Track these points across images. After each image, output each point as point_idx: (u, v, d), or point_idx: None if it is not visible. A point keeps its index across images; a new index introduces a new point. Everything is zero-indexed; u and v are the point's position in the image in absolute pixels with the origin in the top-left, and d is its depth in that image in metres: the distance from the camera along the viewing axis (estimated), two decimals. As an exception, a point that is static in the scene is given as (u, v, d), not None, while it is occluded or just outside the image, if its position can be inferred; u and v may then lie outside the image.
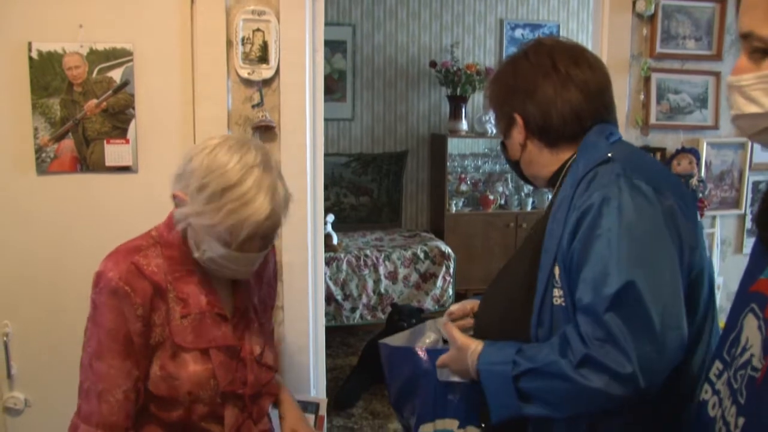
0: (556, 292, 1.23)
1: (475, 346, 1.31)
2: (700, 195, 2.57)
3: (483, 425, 1.44)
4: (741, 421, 0.91)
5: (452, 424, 1.47)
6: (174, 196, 1.34)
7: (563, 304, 1.21)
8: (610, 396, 1.11)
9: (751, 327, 0.94)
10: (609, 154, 1.24)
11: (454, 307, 1.61)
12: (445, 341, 1.62)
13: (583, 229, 1.18)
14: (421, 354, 1.54)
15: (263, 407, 1.51)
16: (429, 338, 1.64)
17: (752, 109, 0.89)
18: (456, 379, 1.45)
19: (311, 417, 1.89)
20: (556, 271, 1.22)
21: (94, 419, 1.32)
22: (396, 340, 1.68)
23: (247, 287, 1.50)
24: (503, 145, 1.47)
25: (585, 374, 1.12)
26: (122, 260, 1.33)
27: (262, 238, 1.34)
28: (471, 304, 1.61)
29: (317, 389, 2.31)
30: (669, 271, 1.15)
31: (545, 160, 1.38)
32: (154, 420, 1.39)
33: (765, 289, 0.94)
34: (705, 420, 1.02)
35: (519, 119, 1.37)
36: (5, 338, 2.02)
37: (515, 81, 1.37)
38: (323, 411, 1.91)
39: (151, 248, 1.38)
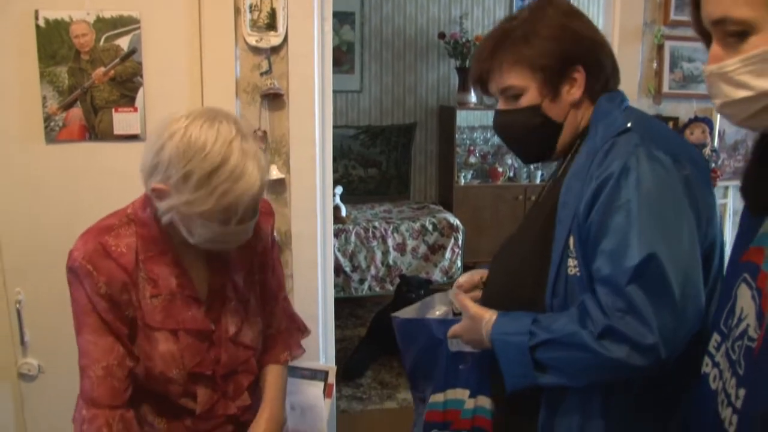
0: (571, 262, 1.22)
1: (489, 316, 1.30)
2: (713, 165, 2.54)
3: (494, 395, 1.44)
4: (742, 392, 0.90)
5: (463, 393, 1.46)
6: (154, 190, 1.27)
7: (578, 274, 1.21)
8: (631, 366, 1.12)
9: (744, 297, 0.94)
10: (629, 124, 1.22)
11: (463, 279, 1.60)
12: (455, 313, 1.61)
13: (602, 200, 1.17)
14: (432, 325, 1.53)
15: (240, 385, 1.49)
16: (439, 310, 1.63)
17: (742, 93, 0.87)
18: (468, 349, 1.44)
19: (320, 384, 1.91)
20: (571, 241, 1.22)
21: (83, 394, 1.34)
22: (406, 313, 1.67)
23: (225, 265, 1.46)
24: (535, 109, 1.33)
25: (606, 345, 1.13)
26: (91, 240, 1.32)
27: (254, 204, 1.31)
28: (479, 274, 1.60)
29: (326, 358, 2.32)
30: (688, 240, 1.15)
31: (578, 120, 1.34)
32: (138, 391, 1.39)
33: (755, 258, 0.93)
34: (707, 393, 1.02)
35: (582, 72, 1.30)
36: (18, 305, 2.04)
37: (583, 31, 1.32)
38: (332, 379, 1.92)
39: (124, 227, 1.35)
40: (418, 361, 1.58)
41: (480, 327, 1.31)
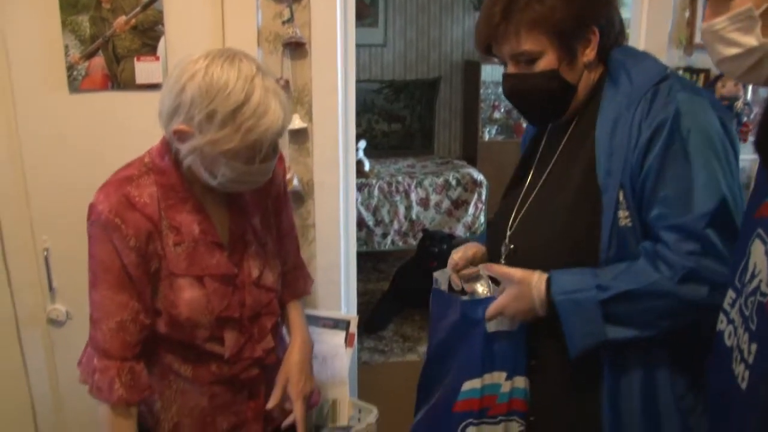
0: (622, 214, 1.22)
1: (538, 277, 1.27)
2: (745, 119, 2.47)
3: (530, 372, 1.40)
4: (754, 347, 0.91)
5: (500, 377, 1.39)
6: (176, 132, 1.27)
7: (630, 224, 1.22)
8: (714, 306, 1.11)
9: (758, 253, 0.94)
10: (668, 71, 1.24)
11: (457, 256, 1.55)
12: (452, 290, 1.56)
13: (659, 148, 1.18)
14: (466, 305, 1.44)
15: (264, 327, 1.51)
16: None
17: (733, 50, 0.90)
18: (506, 328, 1.38)
19: (342, 334, 1.93)
20: (621, 192, 1.22)
21: (93, 343, 1.38)
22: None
23: (244, 209, 1.47)
24: (553, 73, 1.30)
25: (688, 288, 1.15)
26: (113, 192, 1.32)
27: (276, 141, 1.33)
28: (472, 250, 1.56)
29: (348, 310, 2.34)
30: (737, 177, 1.19)
31: (591, 80, 1.34)
32: (162, 342, 1.43)
33: None
34: (722, 349, 1.02)
35: (597, 33, 1.30)
36: (45, 252, 2.08)
37: None
38: (353, 328, 1.94)
39: (144, 176, 1.36)
40: (445, 341, 1.49)
41: (530, 291, 1.27)
